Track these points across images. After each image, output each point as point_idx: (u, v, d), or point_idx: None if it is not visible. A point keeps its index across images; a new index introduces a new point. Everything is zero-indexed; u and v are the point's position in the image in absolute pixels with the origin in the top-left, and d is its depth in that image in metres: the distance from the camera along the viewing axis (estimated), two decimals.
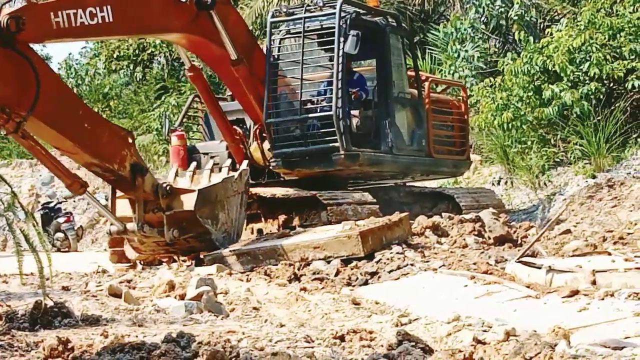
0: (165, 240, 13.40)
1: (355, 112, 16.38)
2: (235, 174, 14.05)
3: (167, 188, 13.30)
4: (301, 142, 16.01)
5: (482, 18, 24.77)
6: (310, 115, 16.10)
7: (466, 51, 24.19)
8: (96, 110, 35.76)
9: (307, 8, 16.57)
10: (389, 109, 16.68)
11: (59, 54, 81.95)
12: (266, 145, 16.37)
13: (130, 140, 12.94)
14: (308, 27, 16.29)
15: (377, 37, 16.76)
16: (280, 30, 16.78)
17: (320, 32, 16.49)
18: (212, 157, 16.70)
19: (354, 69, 17.11)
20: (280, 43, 16.62)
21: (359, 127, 16.47)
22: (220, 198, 13.60)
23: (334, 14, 16.01)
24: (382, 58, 16.79)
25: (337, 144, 15.79)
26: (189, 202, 13.28)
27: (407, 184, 18.80)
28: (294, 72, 16.29)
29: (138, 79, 35.91)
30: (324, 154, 15.95)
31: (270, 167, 16.30)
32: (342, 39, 15.80)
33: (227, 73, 15.72)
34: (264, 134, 16.26)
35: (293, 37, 16.65)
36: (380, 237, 12.97)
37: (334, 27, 15.98)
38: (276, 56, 16.39)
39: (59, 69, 38.42)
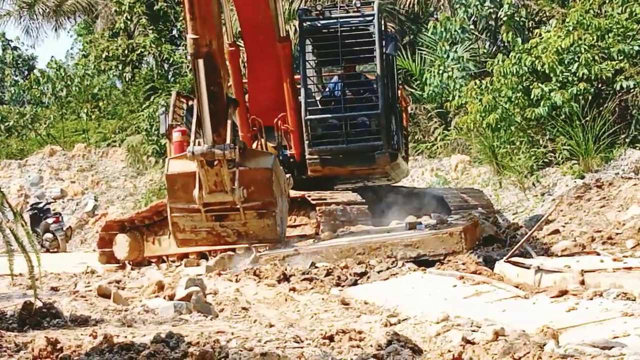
0: (218, 228, 12.18)
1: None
2: (287, 175, 13.54)
3: (244, 144, 12.16)
4: (340, 140, 16.02)
5: (472, 18, 24.80)
6: (355, 113, 16.11)
7: (455, 52, 24.22)
8: (85, 110, 35.81)
9: (343, 8, 16.57)
10: (394, 111, 16.80)
11: (44, 56, 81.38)
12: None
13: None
14: (342, 27, 16.27)
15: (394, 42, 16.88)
16: (310, 29, 16.69)
17: (355, 32, 16.43)
18: None
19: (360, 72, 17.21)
20: (311, 42, 16.58)
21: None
22: (282, 185, 12.65)
23: (372, 15, 16.05)
24: (391, 63, 16.84)
25: (379, 143, 15.84)
26: (266, 161, 12.20)
27: (396, 184, 18.82)
28: (325, 71, 16.33)
29: (127, 80, 35.86)
30: (364, 152, 15.97)
31: (307, 163, 16.23)
32: (383, 42, 15.89)
33: (261, 48, 15.60)
34: (284, 125, 16.19)
35: (326, 36, 16.56)
36: (474, 235, 12.85)
37: (369, 29, 16.02)
38: (310, 53, 16.38)
39: (48, 70, 38.31)
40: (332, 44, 16.28)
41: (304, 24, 16.49)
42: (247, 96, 16.80)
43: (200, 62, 10.95)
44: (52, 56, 55.96)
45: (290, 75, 15.91)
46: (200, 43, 10.82)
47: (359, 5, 16.46)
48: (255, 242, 12.41)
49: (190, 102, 18.02)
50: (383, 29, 16.18)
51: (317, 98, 16.65)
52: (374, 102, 15.99)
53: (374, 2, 16.56)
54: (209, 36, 10.85)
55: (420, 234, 12.63)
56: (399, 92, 18.10)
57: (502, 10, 24.07)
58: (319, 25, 16.47)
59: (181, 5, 33.28)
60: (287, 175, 12.68)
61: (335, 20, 16.28)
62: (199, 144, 11.16)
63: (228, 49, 16.44)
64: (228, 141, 11.15)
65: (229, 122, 11.31)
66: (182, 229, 12.14)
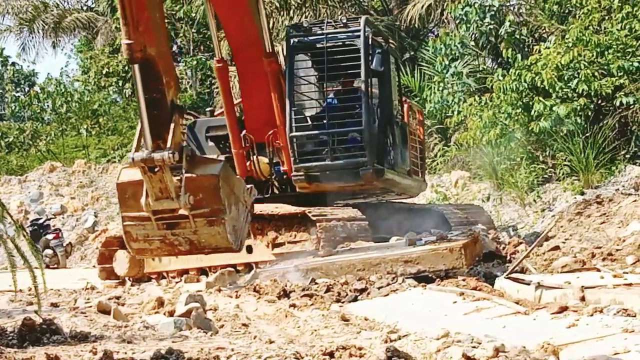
0: (170, 237, 11.92)
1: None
2: (249, 186, 13.49)
3: (192, 151, 11.99)
4: (324, 157, 16.03)
5: (472, 35, 24.84)
6: (338, 129, 16.13)
7: (455, 67, 24.26)
8: (85, 126, 35.84)
9: (329, 24, 16.62)
10: (391, 128, 16.79)
11: (44, 72, 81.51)
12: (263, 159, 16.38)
13: (178, 83, 12.09)
14: (329, 43, 16.31)
15: (381, 57, 16.83)
16: (297, 45, 16.73)
17: (342, 48, 16.45)
18: None
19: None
20: (298, 58, 16.62)
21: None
22: (237, 192, 12.41)
23: (358, 31, 16.09)
24: (385, 78, 16.85)
25: (364, 159, 15.84)
26: (213, 168, 11.97)
27: (395, 200, 18.82)
28: (312, 87, 16.37)
29: (127, 96, 35.91)
30: (349, 169, 15.96)
31: (293, 180, 16.23)
32: (368, 57, 15.91)
33: (250, 63, 15.67)
34: (275, 142, 16.22)
35: (312, 52, 16.61)
36: (474, 251, 12.82)
37: (356, 45, 16.06)
38: (297, 70, 16.44)
39: (48, 86, 38.38)
40: (319, 60, 16.36)
41: (292, 40, 16.55)
42: (243, 112, 16.86)
43: (136, 67, 10.94)
44: (49, 73, 56.11)
45: (279, 92, 15.93)
46: (133, 48, 10.78)
47: (345, 21, 16.53)
48: (209, 251, 12.05)
49: (191, 119, 18.08)
50: (371, 44, 16.16)
51: (308, 114, 16.63)
52: (358, 118, 15.99)
53: (360, 17, 16.63)
54: (143, 41, 10.78)
55: (420, 250, 12.62)
56: (406, 106, 18.10)
57: (503, 28, 24.10)
58: (306, 41, 16.53)
59: (180, 21, 33.42)
60: (249, 186, 12.68)
61: (322, 36, 16.33)
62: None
63: (215, 65, 16.55)
64: (169, 147, 11.03)
65: (171, 128, 11.22)
66: (135, 238, 12.02)
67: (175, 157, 11.05)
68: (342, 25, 16.44)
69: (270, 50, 15.60)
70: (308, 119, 16.50)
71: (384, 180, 16.56)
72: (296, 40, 16.55)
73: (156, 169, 11.13)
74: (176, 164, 11.36)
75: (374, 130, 16.09)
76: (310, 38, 16.49)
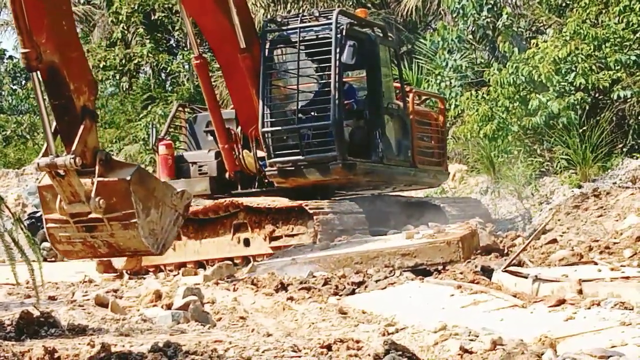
0: (89, 239, 11.86)
1: (346, 122, 16.45)
2: (177, 189, 13.41)
3: (106, 155, 11.88)
4: (297, 152, 16.03)
5: (470, 28, 24.83)
6: (308, 124, 16.15)
7: (454, 60, 24.26)
8: None
9: (303, 18, 16.65)
10: (379, 120, 16.77)
11: None
12: (259, 152, 16.40)
13: (94, 87, 12.24)
14: (303, 37, 16.33)
15: (367, 48, 16.82)
16: (274, 39, 16.79)
17: (315, 42, 16.48)
18: (200, 167, 16.71)
19: (344, 80, 17.19)
20: (273, 52, 16.67)
21: (351, 138, 16.53)
22: (158, 196, 12.15)
23: (330, 24, 16.10)
24: (373, 69, 16.86)
25: (334, 154, 15.85)
26: (125, 172, 11.82)
27: (393, 193, 18.83)
28: (289, 81, 16.37)
29: (124, 89, 35.89)
30: (320, 164, 15.97)
31: (267, 175, 16.28)
32: (338, 49, 15.89)
33: (229, 59, 15.75)
34: (257, 136, 16.25)
35: (287, 47, 16.68)
36: (472, 244, 12.81)
37: (329, 38, 16.06)
38: (271, 64, 16.46)
39: None
40: (293, 53, 16.39)
41: (267, 35, 16.59)
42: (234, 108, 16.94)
43: (34, 75, 10.89)
44: None
45: (256, 87, 15.96)
46: (29, 57, 10.74)
47: (317, 14, 16.57)
48: (129, 254, 12.09)
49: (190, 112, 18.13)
50: (344, 35, 16.14)
51: (282, 109, 16.61)
52: (325, 113, 16.01)
53: (333, 10, 16.68)
54: (41, 49, 10.69)
55: (418, 243, 12.62)
56: (411, 95, 18.06)
57: (500, 21, 24.09)
58: (283, 35, 16.59)
59: (177, 15, 33.37)
60: (180, 189, 12.62)
61: (296, 29, 16.36)
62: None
63: (194, 62, 16.66)
64: (73, 151, 10.93)
65: (79, 132, 11.13)
66: (59, 240, 11.95)
67: (78, 162, 11.00)
68: (315, 18, 16.50)
69: (244, 46, 15.62)
70: (284, 113, 16.50)
71: (365, 174, 16.55)
72: (272, 34, 16.65)
73: (62, 174, 11.13)
74: (89, 169, 11.35)
75: (343, 124, 16.06)
76: (286, 32, 16.55)
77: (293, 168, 16.11)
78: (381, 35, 17.38)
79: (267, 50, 16.45)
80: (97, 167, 11.35)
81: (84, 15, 39.20)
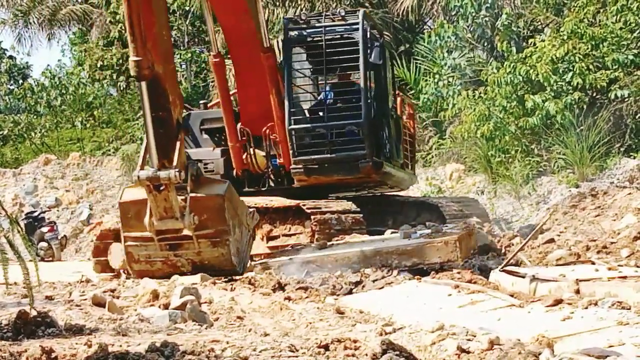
0: (172, 258, 11.88)
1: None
2: (251, 210, 13.13)
3: (197, 170, 11.75)
4: (324, 149, 16.04)
5: (469, 27, 24.84)
6: (337, 122, 16.15)
7: (454, 59, 24.27)
8: (80, 119, 35.80)
9: (327, 17, 16.61)
10: (386, 121, 16.82)
11: (37, 65, 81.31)
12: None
13: (182, 102, 11.75)
14: (327, 37, 16.30)
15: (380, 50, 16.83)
16: (296, 38, 16.72)
17: (340, 42, 16.45)
18: (205, 165, 16.67)
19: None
20: (297, 51, 16.61)
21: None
22: (240, 214, 12.20)
23: (357, 24, 16.09)
24: (381, 71, 16.86)
25: (363, 152, 15.87)
26: (219, 188, 11.82)
27: (389, 193, 18.82)
28: (312, 80, 16.41)
29: (122, 89, 35.87)
30: (348, 162, 15.99)
31: (292, 173, 16.26)
32: (364, 49, 15.92)
33: (246, 57, 15.64)
34: (272, 135, 16.21)
35: (310, 46, 16.60)
36: (469, 244, 12.81)
37: (354, 38, 16.06)
38: (296, 63, 16.41)
39: (42, 78, 38.31)
40: (317, 53, 16.34)
41: (290, 33, 16.53)
42: (238, 106, 16.86)
43: (144, 84, 10.90)
44: (48, 64, 56.11)
45: (276, 86, 15.94)
46: (141, 65, 10.75)
47: (343, 13, 16.54)
48: (212, 272, 12.00)
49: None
50: (369, 37, 16.19)
51: (306, 107, 16.68)
52: (357, 111, 16.01)
53: (359, 10, 16.65)
54: (151, 59, 10.75)
55: (415, 243, 12.61)
56: (399, 99, 18.13)
57: (499, 20, 24.10)
58: (304, 34, 16.51)
59: (174, 14, 33.30)
60: (252, 210, 12.46)
61: (319, 29, 16.31)
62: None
63: (212, 60, 16.56)
64: (175, 165, 11.00)
65: (177, 146, 11.14)
66: (137, 260, 12.01)
67: (182, 176, 11.02)
68: (340, 18, 16.44)
69: (268, 45, 15.62)
70: (306, 112, 16.53)
71: (382, 173, 16.61)
72: (294, 33, 16.55)
73: (161, 188, 11.07)
74: (181, 184, 11.30)
75: (372, 123, 16.15)
76: (309, 31, 16.49)
77: (317, 166, 16.11)
78: (378, 35, 17.39)
79: (291, 49, 16.43)
80: (189, 182, 11.36)
81: (82, 14, 39.15)
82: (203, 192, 11.49)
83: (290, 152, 16.07)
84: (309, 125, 16.23)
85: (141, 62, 10.74)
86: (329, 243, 14.13)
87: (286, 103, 15.94)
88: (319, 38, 16.31)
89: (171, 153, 11.13)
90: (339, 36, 16.43)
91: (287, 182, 16.61)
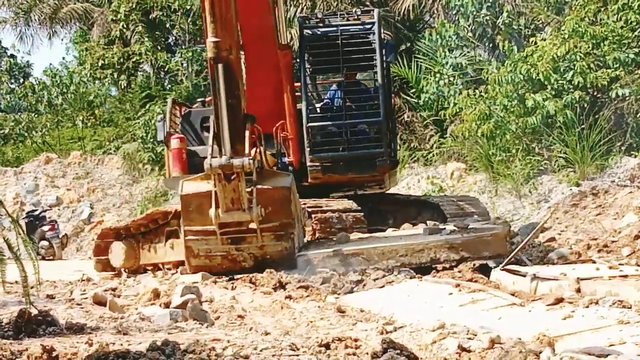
0: (234, 252, 11.72)
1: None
2: (303, 206, 12.89)
3: (260, 163, 11.75)
4: (340, 147, 16.06)
5: (470, 26, 24.83)
6: (356, 120, 16.18)
7: (455, 58, 24.27)
8: (81, 118, 35.82)
9: (343, 15, 16.64)
10: (392, 119, 16.91)
11: (38, 63, 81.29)
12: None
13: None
14: (343, 35, 16.30)
15: (393, 49, 16.97)
16: (311, 36, 16.72)
17: (356, 40, 16.46)
18: None
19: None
20: (312, 49, 16.61)
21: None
22: (298, 210, 12.08)
23: (373, 24, 16.12)
24: (385, 69, 16.89)
25: (381, 150, 15.92)
26: (284, 180, 11.72)
27: (391, 192, 18.82)
28: (327, 78, 16.43)
29: (123, 87, 35.88)
30: (365, 160, 16.03)
31: (308, 171, 16.30)
32: (379, 49, 15.98)
33: (259, 55, 15.56)
34: (283, 133, 16.24)
35: (325, 44, 16.60)
36: (510, 239, 12.76)
37: (369, 37, 16.08)
38: (313, 61, 16.44)
39: (44, 77, 38.34)
40: (332, 52, 16.33)
41: (304, 32, 16.54)
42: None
43: (220, 67, 10.67)
44: (50, 63, 56.10)
45: (291, 83, 15.98)
46: (220, 46, 10.53)
47: (359, 13, 16.56)
48: (271, 267, 11.82)
49: (184, 110, 18.06)
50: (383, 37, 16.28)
51: (317, 105, 16.74)
52: (375, 110, 16.07)
53: (373, 10, 16.67)
54: (229, 41, 10.57)
55: (465, 237, 12.50)
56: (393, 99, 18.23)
57: (500, 19, 24.10)
58: (319, 32, 16.52)
59: (176, 13, 33.34)
60: (304, 205, 12.22)
61: (335, 28, 16.33)
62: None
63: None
64: (247, 154, 10.81)
65: (247, 135, 10.97)
66: (197, 254, 11.78)
67: (255, 164, 10.86)
68: (355, 17, 16.49)
69: (285, 43, 15.63)
70: (318, 109, 16.60)
71: (392, 172, 16.77)
72: (309, 31, 16.57)
73: (232, 177, 10.89)
74: (246, 176, 11.09)
75: (389, 123, 16.27)
76: (324, 30, 16.51)
77: (331, 164, 16.16)
78: (384, 34, 17.47)
79: (307, 47, 16.44)
80: (254, 174, 11.13)
81: (83, 13, 39.16)
82: (269, 184, 11.33)
83: (307, 150, 16.14)
84: (326, 123, 16.28)
85: (220, 43, 10.55)
86: (351, 237, 13.87)
87: (303, 101, 16.00)
88: (334, 37, 16.32)
89: (238, 142, 10.94)
90: (354, 35, 16.45)
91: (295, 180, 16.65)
